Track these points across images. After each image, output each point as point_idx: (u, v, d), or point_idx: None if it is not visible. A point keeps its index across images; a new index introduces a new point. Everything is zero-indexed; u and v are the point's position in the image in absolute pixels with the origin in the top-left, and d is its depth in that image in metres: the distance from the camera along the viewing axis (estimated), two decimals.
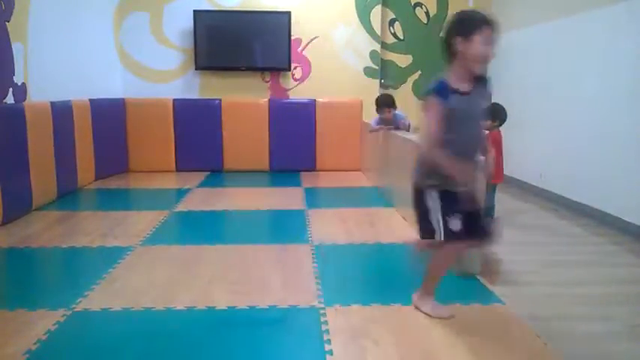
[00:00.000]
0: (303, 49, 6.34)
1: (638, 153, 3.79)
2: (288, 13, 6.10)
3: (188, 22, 6.08)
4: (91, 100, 5.33)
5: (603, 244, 3.62)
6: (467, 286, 2.73)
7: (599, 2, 4.30)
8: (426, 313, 2.34)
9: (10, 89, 3.99)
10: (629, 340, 2.22)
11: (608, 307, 2.54)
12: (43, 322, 2.25)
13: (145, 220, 3.94)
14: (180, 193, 4.99)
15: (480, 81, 2.12)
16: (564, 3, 4.84)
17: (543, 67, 5.20)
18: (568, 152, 4.72)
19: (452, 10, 6.55)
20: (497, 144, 3.94)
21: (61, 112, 4.65)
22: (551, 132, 5.04)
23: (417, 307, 2.39)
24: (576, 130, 4.61)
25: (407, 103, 6.68)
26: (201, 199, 4.77)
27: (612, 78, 4.12)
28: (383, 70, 6.56)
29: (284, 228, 3.98)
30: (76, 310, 2.39)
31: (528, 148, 5.37)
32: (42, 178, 4.25)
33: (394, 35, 6.63)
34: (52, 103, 4.49)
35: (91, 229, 3.75)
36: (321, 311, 2.39)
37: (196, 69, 6.18)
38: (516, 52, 5.87)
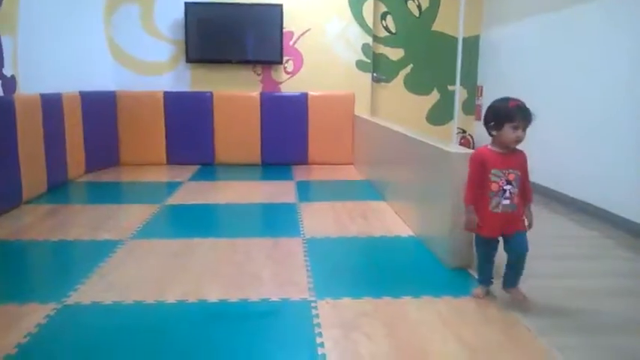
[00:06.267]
0: (295, 42, 6.32)
1: (632, 148, 3.82)
2: (280, 6, 6.07)
3: (179, 14, 6.03)
4: (81, 93, 5.28)
5: (596, 238, 3.64)
6: (458, 279, 2.75)
7: None
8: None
9: None
10: (624, 333, 2.23)
11: (601, 300, 2.56)
12: (33, 316, 2.24)
13: (135, 214, 3.92)
14: (172, 187, 4.97)
15: None
16: None
17: (536, 61, 5.21)
18: (560, 146, 4.74)
19: (444, 4, 6.56)
20: None
21: (51, 105, 4.61)
22: (543, 126, 5.02)
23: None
24: (569, 124, 4.63)
25: (398, 96, 6.72)
26: (193, 193, 4.75)
27: (607, 72, 4.12)
28: (375, 64, 6.55)
29: (276, 221, 3.98)
30: (66, 303, 2.38)
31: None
32: (32, 171, 4.22)
33: (386, 29, 6.62)
34: (42, 96, 4.44)
35: (81, 222, 3.73)
36: (313, 304, 2.40)
37: (187, 61, 6.14)
38: (509, 46, 5.89)
